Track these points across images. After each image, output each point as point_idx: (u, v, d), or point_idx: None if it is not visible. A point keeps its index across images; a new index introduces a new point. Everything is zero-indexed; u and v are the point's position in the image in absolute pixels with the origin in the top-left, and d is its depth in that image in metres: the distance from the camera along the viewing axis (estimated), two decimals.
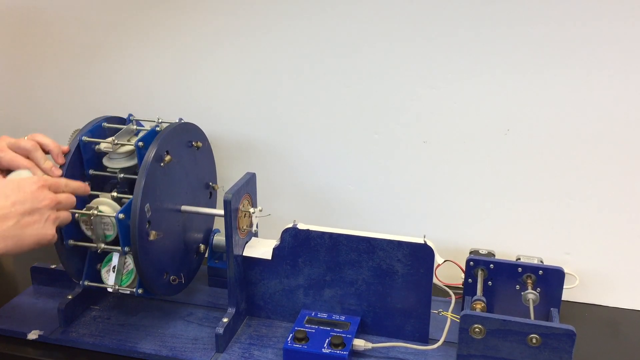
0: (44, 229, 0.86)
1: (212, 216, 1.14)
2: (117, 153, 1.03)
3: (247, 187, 1.05)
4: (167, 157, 0.99)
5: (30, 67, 1.33)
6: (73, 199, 0.93)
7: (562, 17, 1.03)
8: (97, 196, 1.02)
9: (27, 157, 0.95)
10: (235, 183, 1.03)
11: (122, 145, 1.02)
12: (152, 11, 1.22)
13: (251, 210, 1.05)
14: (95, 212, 0.98)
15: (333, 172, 1.23)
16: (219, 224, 1.08)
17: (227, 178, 1.23)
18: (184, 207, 1.06)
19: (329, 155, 1.22)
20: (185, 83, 1.25)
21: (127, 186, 1.05)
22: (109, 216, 0.98)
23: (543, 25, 1.04)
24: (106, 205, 1.00)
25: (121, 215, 0.96)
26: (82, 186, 0.96)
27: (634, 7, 1.00)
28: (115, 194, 1.01)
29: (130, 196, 0.98)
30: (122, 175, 1.02)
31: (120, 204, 1.01)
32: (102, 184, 1.06)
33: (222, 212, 1.00)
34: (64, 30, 1.28)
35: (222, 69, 1.22)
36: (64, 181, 0.93)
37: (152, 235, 0.98)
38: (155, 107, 1.10)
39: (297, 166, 1.25)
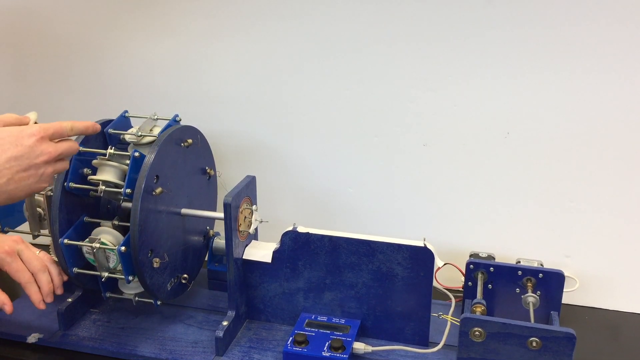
0: (38, 183, 0.84)
1: (213, 219, 1.14)
2: (141, 144, 1.04)
3: (247, 190, 1.05)
4: (158, 189, 0.98)
5: (29, 67, 1.33)
6: (75, 146, 0.89)
7: (562, 20, 1.03)
8: (99, 224, 1.03)
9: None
10: (235, 186, 1.03)
11: (145, 136, 1.03)
12: (152, 12, 1.22)
13: (253, 207, 1.06)
14: (97, 244, 0.98)
15: (333, 175, 1.23)
16: (219, 227, 1.08)
17: (227, 181, 1.23)
18: (184, 211, 1.06)
19: (329, 158, 1.22)
20: (185, 85, 1.25)
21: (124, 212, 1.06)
22: (111, 249, 0.98)
23: (543, 28, 1.04)
24: (108, 235, 1.01)
25: (123, 248, 0.96)
26: (90, 125, 0.90)
27: (633, 9, 1.00)
28: (116, 222, 1.02)
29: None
30: (104, 187, 0.99)
31: (123, 231, 1.02)
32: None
33: (222, 215, 1.00)
34: (63, 29, 1.28)
35: (222, 71, 1.22)
36: (68, 125, 0.87)
37: (156, 263, 0.99)
38: (155, 108, 1.11)
39: (297, 169, 1.25)
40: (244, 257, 1.05)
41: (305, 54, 1.17)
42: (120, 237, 1.00)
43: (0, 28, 1.32)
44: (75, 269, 1.01)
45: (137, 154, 0.98)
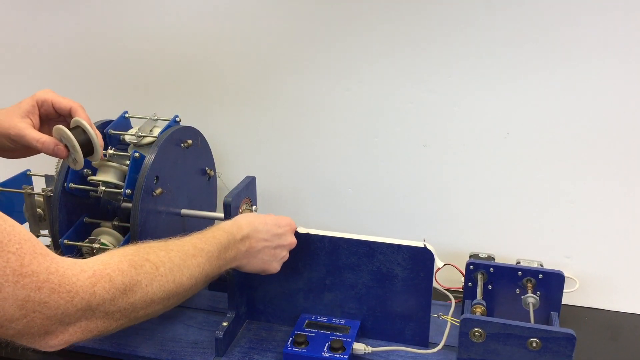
0: (274, 264, 0.96)
1: (213, 219, 1.14)
2: (141, 144, 1.04)
3: (247, 190, 1.05)
4: (158, 190, 0.99)
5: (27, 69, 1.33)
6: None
7: (562, 21, 1.03)
8: (99, 225, 1.03)
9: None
10: (235, 186, 1.03)
11: (145, 136, 1.04)
12: (151, 11, 1.22)
13: (253, 208, 1.07)
14: (97, 245, 0.98)
15: (333, 175, 1.23)
16: None
17: (227, 181, 1.23)
18: (184, 211, 1.06)
19: (328, 159, 1.22)
20: (185, 85, 1.25)
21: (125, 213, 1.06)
22: (110, 249, 0.99)
23: (543, 29, 1.04)
24: (108, 236, 1.01)
25: None
26: None
27: (633, 9, 1.00)
28: (116, 222, 1.03)
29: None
30: (104, 188, 0.99)
31: (123, 232, 1.02)
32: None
33: (222, 215, 1.00)
34: (64, 30, 1.28)
35: (222, 71, 1.22)
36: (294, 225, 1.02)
37: None
38: (155, 109, 1.11)
39: (297, 169, 1.25)
40: None
41: (305, 55, 1.17)
42: (120, 238, 1.00)
43: None
44: None
45: (137, 154, 0.98)
